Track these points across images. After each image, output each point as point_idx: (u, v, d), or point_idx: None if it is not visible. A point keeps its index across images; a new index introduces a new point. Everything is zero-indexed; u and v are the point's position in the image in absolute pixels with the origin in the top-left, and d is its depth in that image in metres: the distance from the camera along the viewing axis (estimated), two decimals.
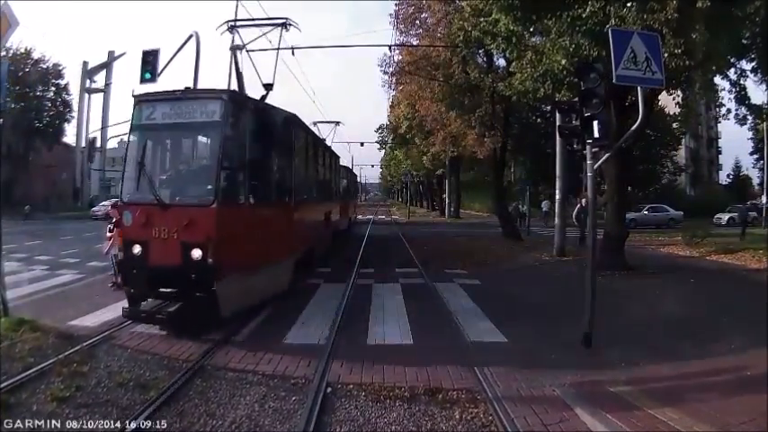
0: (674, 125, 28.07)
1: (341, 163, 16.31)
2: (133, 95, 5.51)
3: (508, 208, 17.94)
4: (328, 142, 13.71)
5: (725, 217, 23.82)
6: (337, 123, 15.36)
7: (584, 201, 12.38)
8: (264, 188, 5.88)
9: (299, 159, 7.47)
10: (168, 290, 4.97)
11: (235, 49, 6.48)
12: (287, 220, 6.48)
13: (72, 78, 36.43)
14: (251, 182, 5.45)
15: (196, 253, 4.72)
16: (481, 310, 6.27)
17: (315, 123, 13.54)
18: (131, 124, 5.45)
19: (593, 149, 5.13)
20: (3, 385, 3.58)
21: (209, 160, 5.51)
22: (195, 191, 5.28)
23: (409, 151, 34.92)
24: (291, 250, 6.67)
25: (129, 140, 5.56)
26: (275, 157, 6.21)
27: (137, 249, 4.93)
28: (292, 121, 6.86)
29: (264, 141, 5.79)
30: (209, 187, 4.95)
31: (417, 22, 16.39)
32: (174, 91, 5.33)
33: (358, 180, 40.38)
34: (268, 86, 6.78)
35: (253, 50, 7.41)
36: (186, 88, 5.46)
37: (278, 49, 7.38)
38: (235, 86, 7.54)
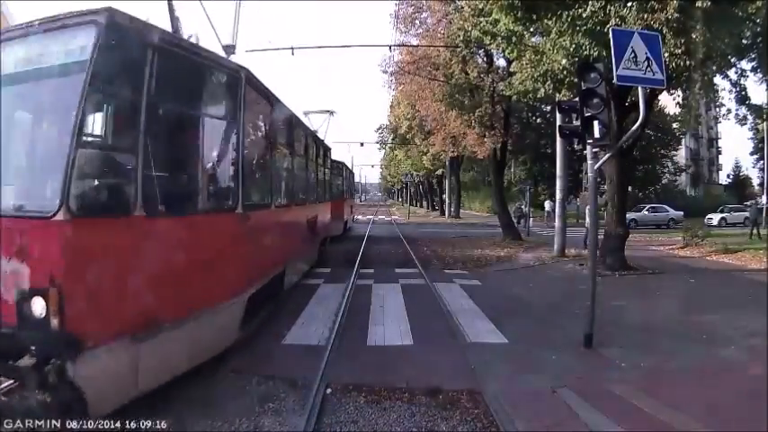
0: (674, 125, 28.17)
1: (335, 157, 14.69)
2: None
3: (510, 208, 17.94)
4: (321, 136, 11.96)
5: (716, 217, 24.03)
6: (331, 113, 13.28)
7: None
8: (181, 186, 3.68)
9: (256, 142, 5.18)
10: (22, 364, 2.70)
11: None
12: (230, 239, 4.15)
13: None
14: (148, 174, 3.15)
15: (36, 306, 2.65)
16: (481, 310, 6.26)
17: (306, 114, 12.09)
18: None
19: (594, 149, 5.14)
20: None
21: (57, 132, 3.04)
22: (30, 190, 3.05)
23: (409, 151, 34.95)
24: (240, 285, 4.27)
25: None
26: (206, 134, 3.90)
27: None
28: (241, 77, 4.28)
29: (183, 106, 3.68)
30: (52, 183, 2.75)
31: (417, 21, 16.42)
32: (32, 22, 3.16)
33: (357, 179, 40.18)
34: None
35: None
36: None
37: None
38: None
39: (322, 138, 11.68)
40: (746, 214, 23.57)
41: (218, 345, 4.01)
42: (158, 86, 3.25)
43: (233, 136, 4.23)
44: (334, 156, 14.84)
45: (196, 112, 3.86)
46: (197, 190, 3.84)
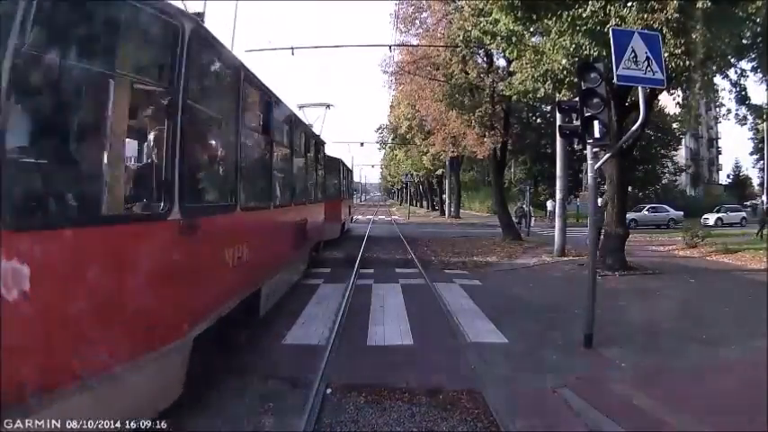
0: (674, 125, 28.19)
1: (333, 156, 13.69)
2: None
3: (510, 208, 17.94)
4: (318, 131, 10.76)
5: (712, 218, 24.11)
6: (328, 106, 12.08)
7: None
8: (71, 181, 2.43)
9: (210, 124, 3.92)
10: None
11: None
12: (160, 259, 2.83)
13: None
14: (14, 162, 2.07)
15: None
16: (481, 310, 6.26)
17: (301, 107, 10.77)
18: None
19: (594, 149, 5.14)
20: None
21: None
22: None
23: (409, 151, 34.97)
24: (180, 324, 3.01)
25: None
26: (119, 104, 2.74)
27: None
28: (183, 28, 2.93)
29: (81, 59, 2.45)
30: None
31: (417, 21, 16.45)
32: None
33: (357, 179, 40.11)
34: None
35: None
36: None
37: None
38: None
39: (318, 133, 10.66)
40: (743, 214, 23.66)
41: (151, 405, 2.89)
42: (40, 30, 2.15)
43: (167, 111, 2.94)
44: (333, 155, 14.38)
45: (102, 70, 2.63)
46: (99, 186, 2.57)
